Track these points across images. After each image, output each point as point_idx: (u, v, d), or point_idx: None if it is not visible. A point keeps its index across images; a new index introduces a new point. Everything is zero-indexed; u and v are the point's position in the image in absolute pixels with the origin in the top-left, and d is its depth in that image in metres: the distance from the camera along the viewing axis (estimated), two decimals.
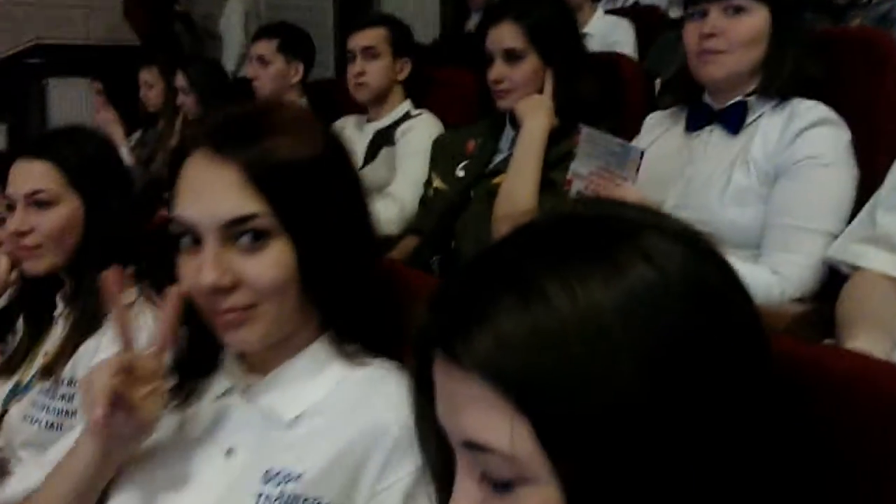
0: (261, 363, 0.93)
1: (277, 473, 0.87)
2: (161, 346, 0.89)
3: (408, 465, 0.84)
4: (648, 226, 0.55)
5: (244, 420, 0.93)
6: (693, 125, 1.73)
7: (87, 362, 1.37)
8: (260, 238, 0.85)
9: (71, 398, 1.36)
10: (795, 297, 1.47)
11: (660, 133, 1.79)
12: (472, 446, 0.54)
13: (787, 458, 0.57)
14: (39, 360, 1.43)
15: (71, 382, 1.37)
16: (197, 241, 0.87)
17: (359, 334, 0.92)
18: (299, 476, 0.86)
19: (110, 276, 0.88)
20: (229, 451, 0.92)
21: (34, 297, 1.54)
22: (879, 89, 1.67)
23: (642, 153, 1.56)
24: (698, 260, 0.55)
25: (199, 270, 0.85)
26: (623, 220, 0.56)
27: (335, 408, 0.89)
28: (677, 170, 1.69)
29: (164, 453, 0.94)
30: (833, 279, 1.47)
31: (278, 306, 0.87)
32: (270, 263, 0.85)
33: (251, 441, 0.91)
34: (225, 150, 0.86)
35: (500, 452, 0.52)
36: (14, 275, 1.64)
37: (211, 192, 0.85)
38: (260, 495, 0.86)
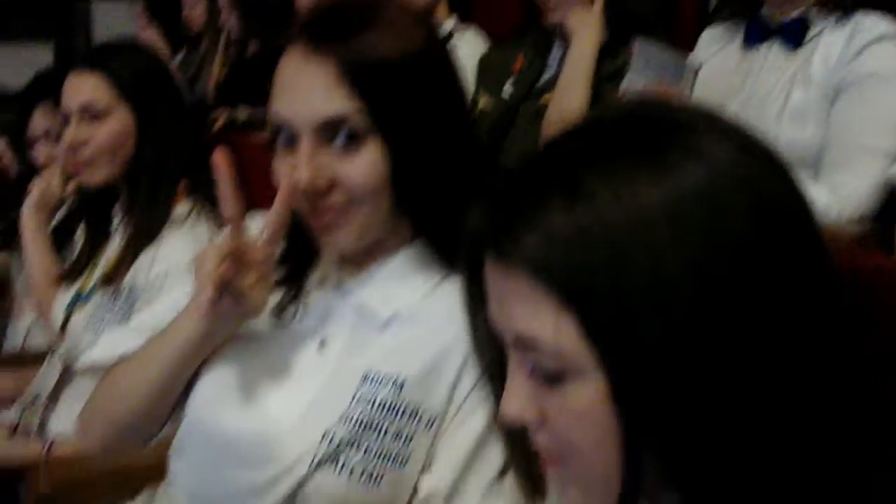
0: (354, 261, 0.93)
1: (375, 376, 0.88)
2: (271, 235, 0.89)
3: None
4: (701, 124, 0.54)
5: (338, 314, 0.94)
6: (751, 40, 1.67)
7: (145, 271, 1.41)
8: (355, 139, 0.84)
9: (131, 306, 1.40)
10: (853, 217, 1.45)
11: (716, 49, 1.74)
12: (522, 342, 0.55)
13: (846, 367, 0.56)
14: (99, 270, 1.47)
15: (130, 291, 1.41)
16: (291, 140, 0.86)
17: (449, 246, 0.89)
18: (399, 382, 0.87)
19: (218, 158, 0.87)
20: (322, 344, 0.93)
21: (92, 209, 1.58)
22: None
23: (698, 68, 1.52)
24: (752, 160, 0.54)
25: (295, 169, 0.84)
26: (675, 119, 0.55)
27: (429, 315, 0.90)
28: (734, 87, 1.65)
29: (260, 339, 0.96)
30: (893, 200, 1.44)
31: (372, 209, 0.87)
32: (365, 165, 0.85)
33: (345, 335, 0.92)
34: (321, 45, 0.85)
35: (548, 346, 0.53)
36: (70, 188, 1.68)
37: (306, 89, 0.85)
38: (356, 394, 0.88)
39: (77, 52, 3.89)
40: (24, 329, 2.01)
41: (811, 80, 1.55)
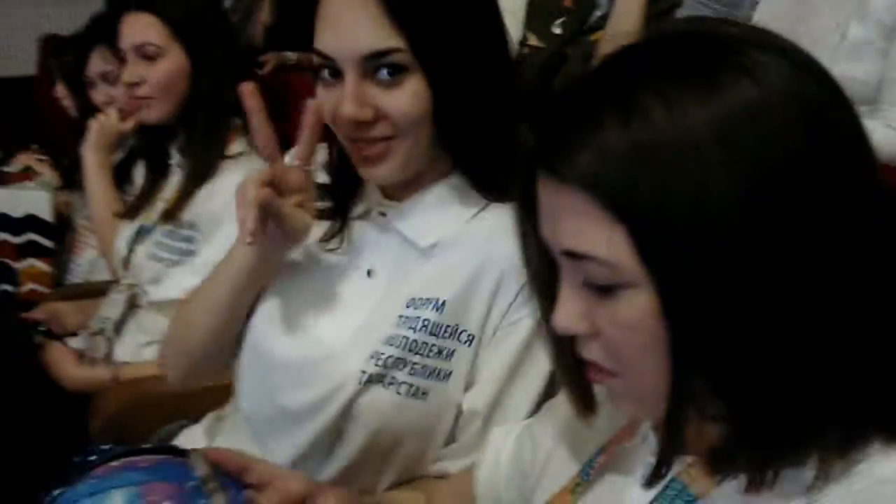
0: (396, 191, 0.97)
1: (417, 301, 0.93)
2: (302, 159, 0.92)
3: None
4: (751, 42, 0.54)
5: (382, 243, 0.97)
6: None
7: (204, 206, 1.45)
8: (398, 72, 0.86)
9: (190, 239, 1.45)
10: None
11: None
12: (574, 255, 0.56)
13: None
14: (160, 206, 1.52)
15: (190, 225, 1.46)
16: (335, 74, 0.88)
17: (487, 178, 0.93)
18: (440, 304, 0.92)
19: (246, 89, 0.89)
20: (370, 272, 0.97)
21: (151, 146, 1.63)
22: None
23: (755, 3, 1.50)
24: (803, 76, 0.53)
25: (340, 103, 0.87)
26: (727, 37, 0.55)
27: (468, 240, 0.93)
28: (789, 26, 1.62)
29: (310, 269, 1.00)
30: None
31: (414, 141, 0.89)
32: (408, 97, 0.87)
33: (389, 264, 0.96)
34: None
35: (600, 259, 0.55)
36: (128, 125, 1.73)
37: (351, 24, 0.86)
38: (401, 317, 0.93)
39: None
40: (86, 263, 2.08)
41: (870, 16, 1.52)
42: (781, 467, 0.55)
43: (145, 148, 1.65)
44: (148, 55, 1.48)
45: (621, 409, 0.63)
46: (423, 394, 0.91)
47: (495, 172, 0.92)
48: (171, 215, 1.47)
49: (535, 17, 2.14)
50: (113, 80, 1.89)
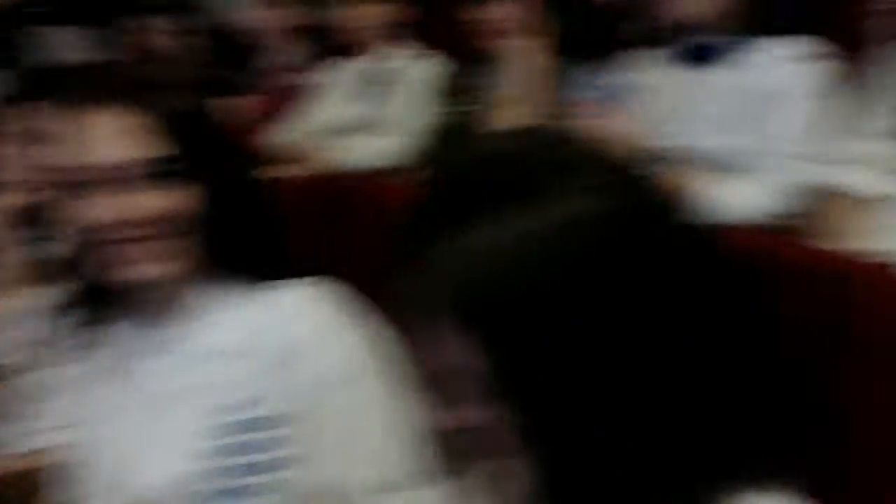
0: (164, 314, 1.01)
1: (223, 406, 0.96)
2: None
3: (330, 354, 0.96)
4: (573, 165, 0.55)
5: (175, 364, 1.00)
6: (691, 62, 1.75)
7: None
8: (157, 179, 0.93)
9: None
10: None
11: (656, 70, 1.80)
12: None
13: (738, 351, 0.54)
14: None
15: None
16: (92, 186, 0.93)
17: (240, 270, 1.00)
18: (245, 402, 0.96)
19: None
20: (172, 394, 0.99)
21: None
22: None
23: (643, 88, 1.57)
24: (616, 197, 0.53)
25: (106, 210, 0.92)
26: (548, 161, 0.56)
27: (248, 335, 0.98)
28: (680, 106, 1.73)
29: (125, 404, 1.01)
30: None
31: (176, 241, 0.95)
32: (167, 200, 0.93)
33: (187, 381, 0.99)
34: (114, 101, 0.93)
35: None
36: None
37: (109, 137, 0.92)
38: (218, 427, 0.96)
39: None
40: None
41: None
42: None
43: None
44: None
45: None
46: (283, 487, 0.95)
47: (247, 264, 1.00)
48: None
49: (442, 98, 2.26)
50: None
